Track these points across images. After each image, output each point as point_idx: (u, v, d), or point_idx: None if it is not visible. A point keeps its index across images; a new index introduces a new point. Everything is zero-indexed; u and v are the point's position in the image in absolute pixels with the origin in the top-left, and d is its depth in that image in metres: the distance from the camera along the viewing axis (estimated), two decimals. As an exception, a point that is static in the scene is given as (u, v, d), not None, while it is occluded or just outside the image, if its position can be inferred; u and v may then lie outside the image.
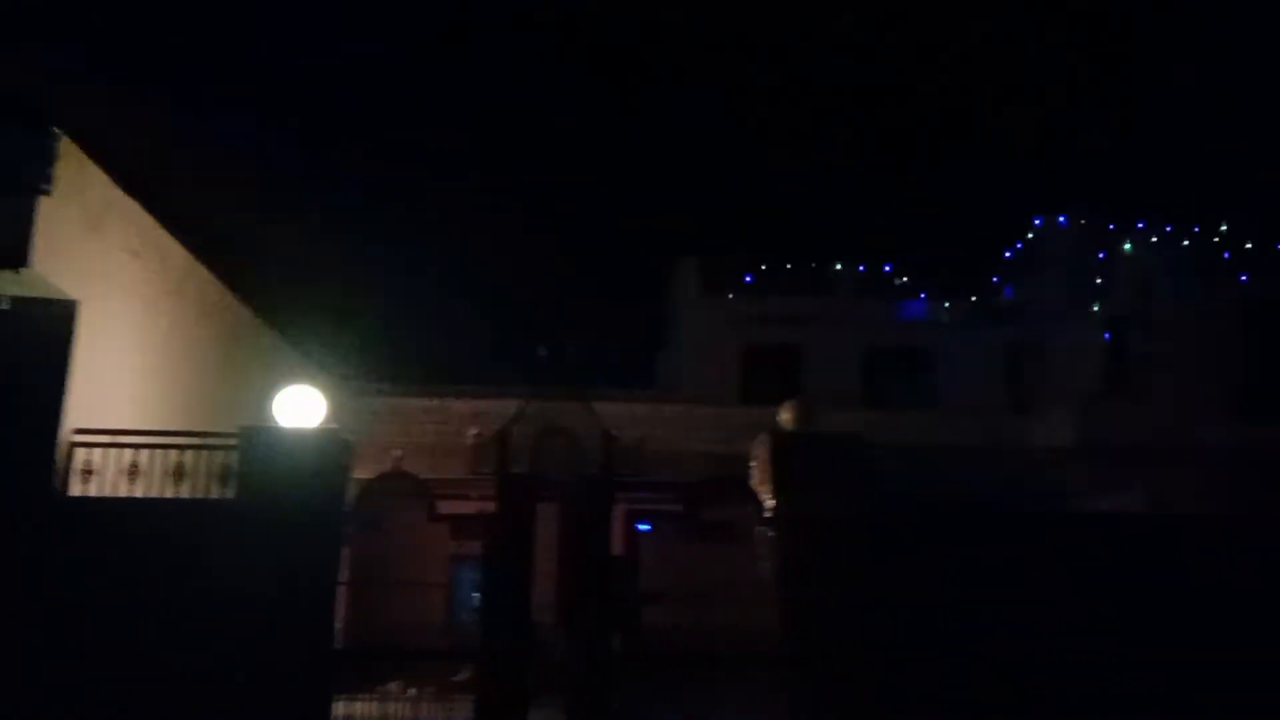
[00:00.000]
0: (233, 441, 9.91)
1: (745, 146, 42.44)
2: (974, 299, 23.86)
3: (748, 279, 24.10)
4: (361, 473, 10.87)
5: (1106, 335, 19.58)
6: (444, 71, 42.69)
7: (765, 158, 41.90)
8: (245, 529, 9.51)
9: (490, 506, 10.50)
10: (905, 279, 24.31)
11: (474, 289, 31.55)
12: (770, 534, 10.60)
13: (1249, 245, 19.32)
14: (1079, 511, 11.70)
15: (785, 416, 12.67)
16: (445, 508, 10.81)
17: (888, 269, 24.45)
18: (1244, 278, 18.99)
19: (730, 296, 23.70)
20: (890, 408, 20.35)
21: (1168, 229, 19.80)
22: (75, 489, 9.66)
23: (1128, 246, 19.51)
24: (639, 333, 27.67)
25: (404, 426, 16.38)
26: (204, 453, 10.12)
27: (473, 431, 10.84)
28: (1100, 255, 20.34)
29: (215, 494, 9.97)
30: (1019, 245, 23.24)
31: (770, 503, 10.78)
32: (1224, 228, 19.64)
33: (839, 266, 24.37)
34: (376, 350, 21.00)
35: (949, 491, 11.82)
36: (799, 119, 42.13)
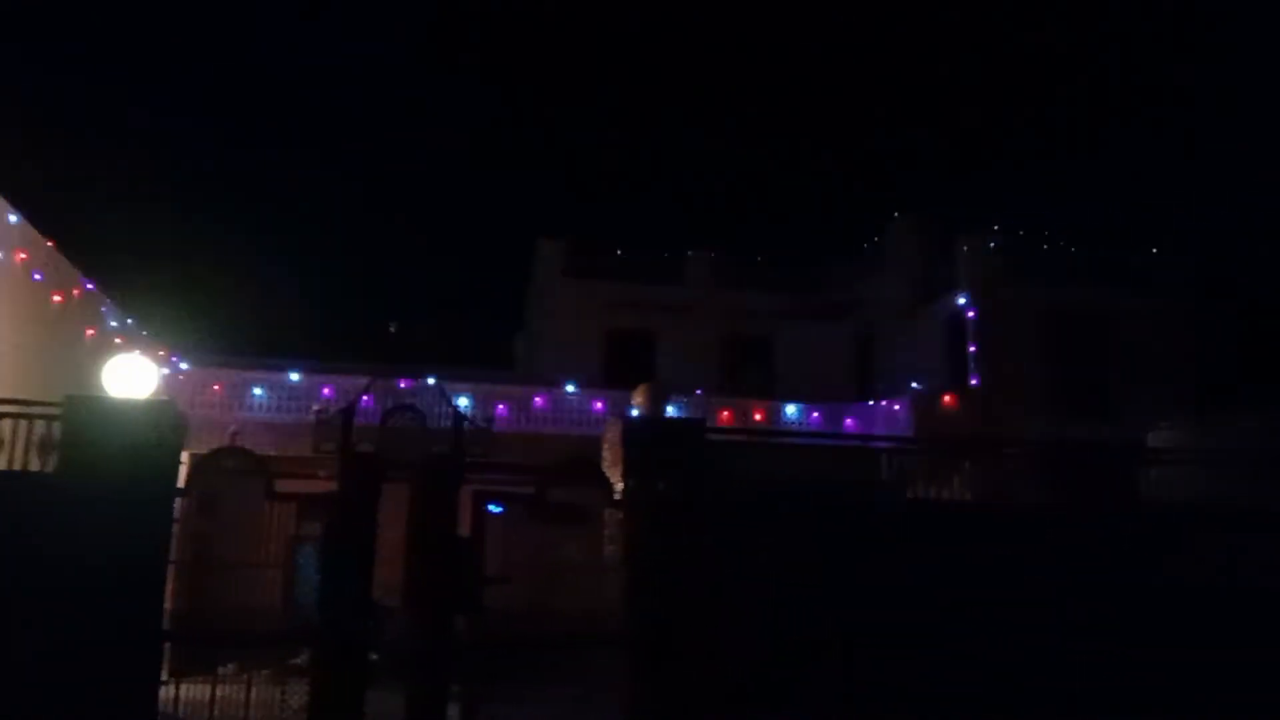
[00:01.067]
0: (56, 411, 9.33)
1: (609, 132, 42.50)
2: (826, 292, 24.60)
3: (611, 264, 24.24)
4: (197, 448, 10.43)
5: (946, 333, 20.49)
6: (290, 38, 41.18)
7: (628, 145, 42.07)
8: (68, 504, 8.98)
9: (333, 486, 10.21)
10: (763, 271, 24.90)
11: (327, 263, 30.62)
12: (619, 516, 10.70)
13: (1073, 250, 20.53)
14: (910, 498, 12.24)
15: (636, 400, 12.80)
16: (287, 487, 10.46)
17: (748, 260, 25.00)
18: (1060, 281, 20.14)
19: (591, 280, 23.79)
20: (743, 396, 20.80)
21: (1010, 233, 20.81)
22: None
23: (971, 248, 20.39)
24: (497, 313, 27.46)
25: (245, 401, 15.77)
26: (24, 423, 9.49)
27: (316, 407, 10.52)
28: (948, 254, 21.23)
29: (35, 467, 9.38)
30: (866, 243, 24.08)
31: (620, 485, 10.88)
32: (1046, 233, 20.81)
33: (697, 256, 24.76)
34: (221, 322, 20.17)
35: (794, 478, 12.16)
36: (665, 110, 42.46)
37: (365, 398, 11.31)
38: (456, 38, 41.69)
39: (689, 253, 24.83)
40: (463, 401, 14.58)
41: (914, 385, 19.80)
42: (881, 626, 10.67)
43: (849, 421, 19.76)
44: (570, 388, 18.86)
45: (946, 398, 19.03)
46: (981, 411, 18.64)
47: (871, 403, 20.58)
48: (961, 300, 20.06)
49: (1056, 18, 37.69)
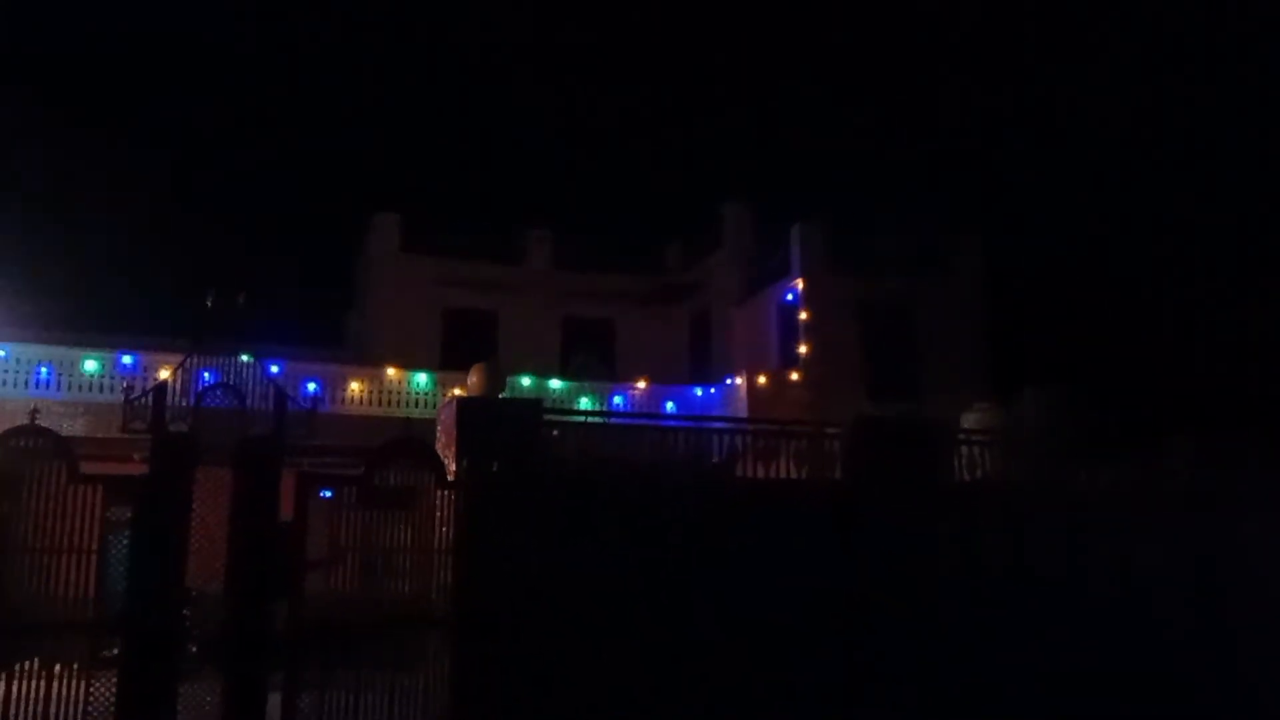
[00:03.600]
0: None
1: (446, 105, 41.76)
2: (664, 276, 24.92)
3: (450, 241, 23.78)
4: (-5, 429, 9.72)
5: (778, 317, 21.13)
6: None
7: (466, 120, 41.46)
8: None
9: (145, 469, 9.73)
10: (602, 253, 24.99)
11: (137, 232, 28.84)
12: (451, 498, 10.60)
13: (880, 239, 21.50)
14: (739, 476, 12.61)
15: (472, 380, 12.68)
16: (96, 469, 9.89)
17: (588, 242, 25.03)
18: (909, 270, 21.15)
19: (429, 258, 23.30)
20: (582, 376, 20.89)
21: (837, 223, 21.57)
22: None
23: (801, 237, 21.05)
24: (326, 289, 26.58)
25: (50, 379, 14.78)
26: None
27: (124, 385, 9.97)
28: (778, 243, 21.86)
29: None
30: (708, 228, 24.51)
31: (453, 467, 10.77)
32: (862, 223, 21.71)
33: (538, 235, 24.64)
34: (24, 296, 18.77)
35: (627, 459, 12.31)
36: (503, 84, 42.04)
37: (178, 376, 10.78)
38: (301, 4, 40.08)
39: (529, 231, 24.66)
40: (284, 382, 14.11)
41: (747, 368, 20.33)
42: (707, 604, 10.96)
43: (689, 403, 20.14)
44: (406, 368, 18.48)
45: (779, 380, 19.65)
46: (810, 394, 19.33)
47: (708, 384, 21.03)
48: (793, 287, 20.72)
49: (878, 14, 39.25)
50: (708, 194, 25.26)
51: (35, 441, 9.37)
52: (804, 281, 20.57)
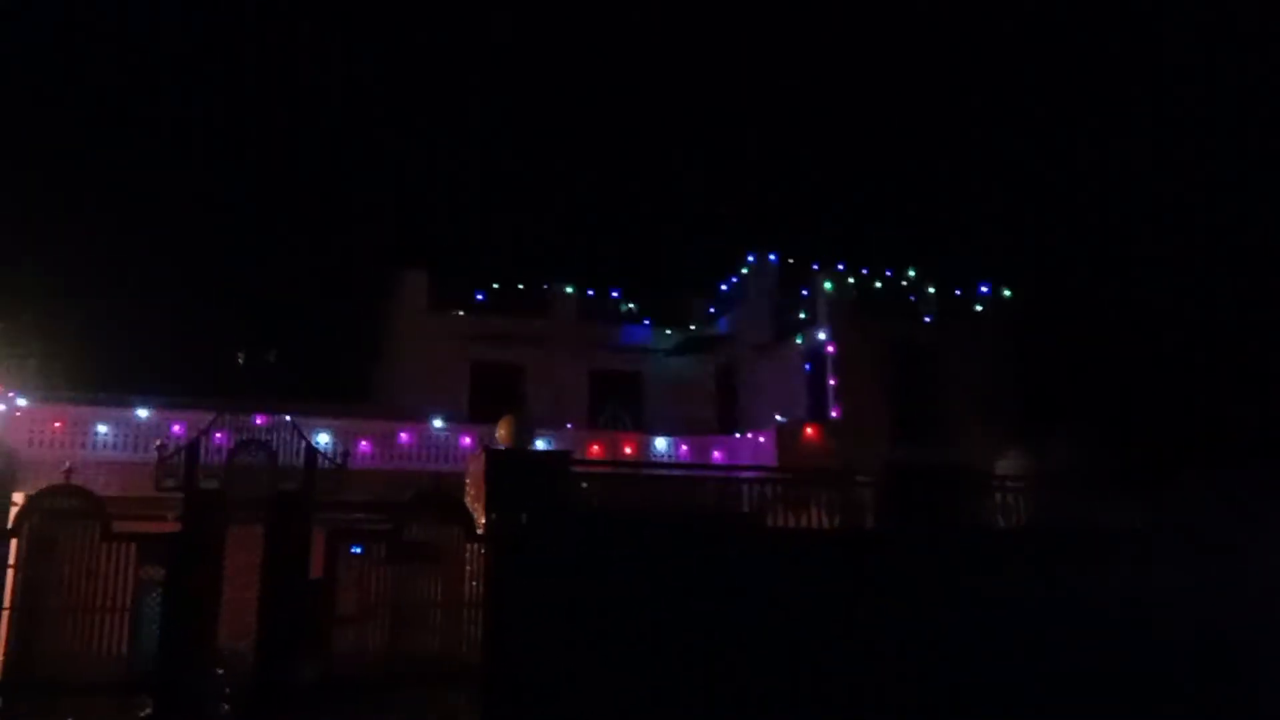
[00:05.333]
0: None
1: (475, 166, 42.36)
2: (690, 327, 24.95)
3: (477, 296, 23.98)
4: (28, 488, 9.83)
5: (806, 366, 21.06)
6: (134, 52, 39.73)
7: (496, 178, 42.00)
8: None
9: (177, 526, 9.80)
10: (629, 305, 25.10)
11: (170, 292, 29.28)
12: (480, 551, 10.59)
13: (931, 290, 21.49)
14: (769, 526, 12.54)
15: (500, 432, 12.71)
16: (129, 528, 9.98)
17: (614, 295, 25.16)
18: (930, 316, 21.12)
19: (459, 313, 23.48)
20: (609, 428, 20.84)
21: (863, 271, 21.60)
22: None
23: (828, 285, 21.06)
24: (354, 346, 26.76)
25: (87, 439, 14.91)
26: None
27: (157, 443, 10.07)
28: (804, 292, 21.87)
29: None
30: (733, 279, 24.58)
31: (482, 520, 10.76)
32: (911, 273, 21.70)
33: (563, 289, 24.79)
34: (61, 357, 19.05)
35: (658, 509, 12.25)
36: (531, 141, 42.63)
37: (216, 435, 10.90)
38: (314, 53, 40.96)
39: (555, 286, 24.82)
40: (323, 438, 14.17)
41: (777, 418, 20.23)
42: (743, 657, 10.83)
43: (716, 454, 20.04)
44: (438, 423, 18.54)
45: (808, 429, 19.52)
46: (840, 442, 19.18)
47: (737, 435, 20.93)
48: (820, 335, 20.67)
49: (897, 61, 39.58)
50: (732, 244, 25.36)
51: (69, 501, 9.47)
52: (831, 328, 20.53)
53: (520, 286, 24.86)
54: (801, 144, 40.77)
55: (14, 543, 9.08)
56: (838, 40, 39.86)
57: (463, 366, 22.99)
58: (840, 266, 21.64)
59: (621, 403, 23.84)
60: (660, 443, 19.96)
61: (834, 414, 19.86)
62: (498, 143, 42.81)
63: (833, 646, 11.05)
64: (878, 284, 21.58)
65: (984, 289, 21.96)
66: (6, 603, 9.70)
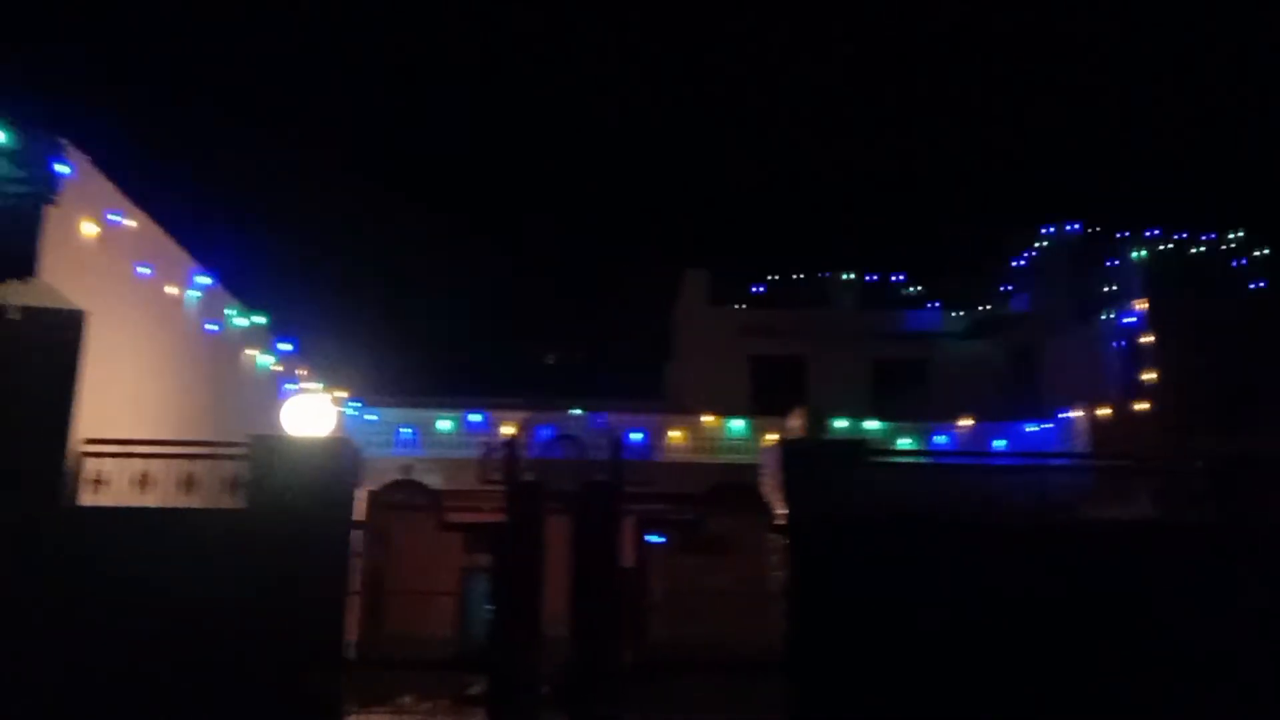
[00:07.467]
0: (243, 451, 9.87)
1: (751, 158, 42.52)
2: (981, 309, 23.83)
3: (755, 290, 24.14)
4: (370, 484, 10.83)
5: (1115, 344, 19.52)
6: (446, 83, 42.86)
7: (772, 169, 41.95)
8: (255, 538, 9.47)
9: (500, 517, 10.44)
10: (912, 290, 24.35)
11: (479, 300, 31.54)
12: (781, 541, 10.56)
13: (1263, 252, 19.30)
14: (1083, 519, 11.67)
15: (794, 424, 12.63)
16: (455, 519, 10.77)
17: (896, 279, 24.52)
18: (1258, 285, 18.99)
19: (738, 307, 23.74)
20: (898, 418, 20.31)
21: (1179, 236, 19.78)
22: (86, 499, 9.65)
23: (1138, 254, 19.48)
24: (646, 344, 27.64)
25: (413, 437, 16.33)
26: (214, 462, 10.09)
27: (481, 440, 10.81)
28: (1110, 263, 20.33)
29: (225, 503, 9.93)
30: (1027, 254, 23.23)
31: (781, 510, 10.74)
32: (1238, 235, 19.61)
33: (846, 278, 24.40)
34: (388, 364, 20.98)
35: (959, 500, 11.77)
36: (805, 130, 42.21)
37: (525, 430, 11.55)
38: (602, 74, 42.62)
39: (834, 275, 24.52)
40: (617, 432, 14.72)
41: (1087, 401, 18.89)
42: (1059, 654, 10.17)
43: (1014, 441, 19.03)
44: (722, 416, 18.81)
45: (1121, 413, 18.08)
46: (1158, 426, 17.63)
47: (1038, 421, 19.76)
48: (1133, 310, 19.07)
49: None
50: (1024, 218, 23.90)
51: (409, 495, 10.35)
52: (1147, 304, 18.86)
53: (797, 277, 24.74)
54: (1100, 98, 37.73)
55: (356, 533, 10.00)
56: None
57: (743, 360, 23.20)
58: (1152, 233, 19.91)
59: (908, 391, 23.17)
60: (955, 431, 19.21)
61: (1151, 396, 18.25)
62: (767, 134, 42.80)
63: (1170, 651, 10.11)
64: (1197, 251, 19.64)
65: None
66: (356, 587, 10.70)
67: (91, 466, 9.74)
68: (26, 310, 9.56)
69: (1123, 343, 19.33)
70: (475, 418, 16.28)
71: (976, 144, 38.97)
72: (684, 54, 41.91)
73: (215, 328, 13.37)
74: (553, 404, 11.20)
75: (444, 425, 16.51)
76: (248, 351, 14.37)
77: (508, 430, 11.08)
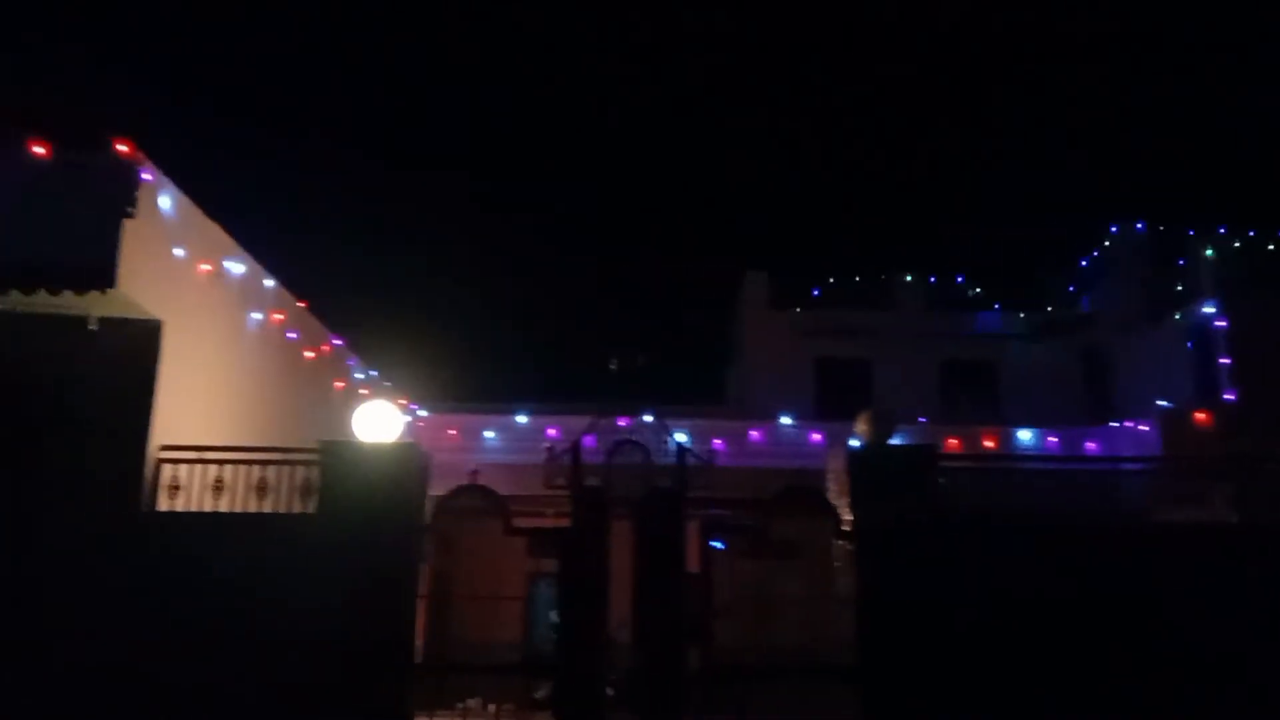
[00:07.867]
0: (314, 456, 10.05)
1: (813, 159, 42.25)
2: (1049, 309, 23.38)
3: (815, 292, 23.94)
4: (436, 489, 10.95)
5: (1189, 344, 19.01)
6: (509, 93, 43.29)
7: (833, 170, 41.66)
8: (327, 543, 9.62)
9: (565, 522, 10.49)
10: (977, 290, 23.96)
11: (543, 307, 31.85)
12: (849, 547, 10.45)
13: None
14: (1158, 522, 11.39)
15: (861, 428, 12.50)
16: (520, 524, 10.82)
17: (959, 280, 24.15)
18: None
19: (798, 310, 23.55)
20: (965, 421, 19.99)
21: (1251, 233, 19.22)
22: (163, 504, 9.91)
23: (1209, 252, 18.96)
24: (708, 348, 27.62)
25: (479, 444, 16.52)
26: (286, 467, 10.29)
27: (545, 446, 10.87)
28: (1180, 261, 19.83)
29: (297, 508, 10.12)
30: (1094, 253, 22.74)
31: (848, 516, 10.64)
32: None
33: (909, 279, 24.08)
34: (453, 370, 21.27)
35: (1029, 505, 11.56)
36: (867, 132, 41.86)
37: (589, 435, 11.59)
38: (664, 78, 42.73)
39: (895, 276, 24.21)
40: (681, 437, 14.73)
41: (1160, 403, 18.41)
42: (1137, 659, 9.93)
43: (1088, 445, 18.61)
44: (786, 420, 18.70)
45: (1198, 415, 17.59)
46: (1235, 427, 17.12)
47: (1112, 424, 19.31)
48: (1209, 309, 18.56)
49: None
50: (1093, 216, 23.44)
51: (476, 500, 10.42)
52: (1220, 301, 18.35)
53: (862, 279, 24.48)
54: (1167, 92, 36.83)
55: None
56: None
57: (806, 363, 23.01)
58: (1221, 230, 19.37)
59: (976, 394, 22.80)
60: (1024, 435, 18.86)
61: (1229, 397, 17.73)
62: (824, 135, 42.48)
63: (1247, 659, 9.82)
64: (1269, 248, 19.07)
65: None
66: (424, 591, 10.83)
67: (168, 473, 10.00)
68: (104, 321, 9.85)
69: (1196, 342, 18.82)
70: (530, 420, 16.43)
71: (1038, 143, 38.28)
72: (744, 56, 41.81)
73: (294, 336, 13.68)
74: (616, 409, 11.19)
75: (509, 430, 16.70)
76: (329, 365, 14.60)
77: (571, 435, 11.11)
